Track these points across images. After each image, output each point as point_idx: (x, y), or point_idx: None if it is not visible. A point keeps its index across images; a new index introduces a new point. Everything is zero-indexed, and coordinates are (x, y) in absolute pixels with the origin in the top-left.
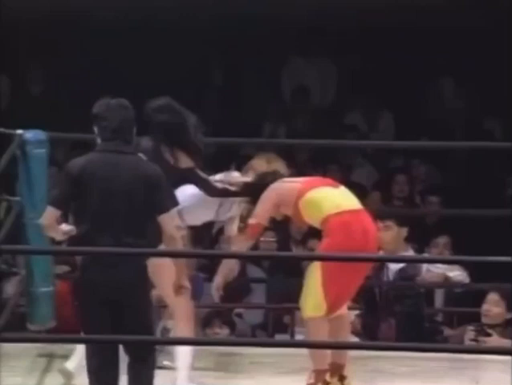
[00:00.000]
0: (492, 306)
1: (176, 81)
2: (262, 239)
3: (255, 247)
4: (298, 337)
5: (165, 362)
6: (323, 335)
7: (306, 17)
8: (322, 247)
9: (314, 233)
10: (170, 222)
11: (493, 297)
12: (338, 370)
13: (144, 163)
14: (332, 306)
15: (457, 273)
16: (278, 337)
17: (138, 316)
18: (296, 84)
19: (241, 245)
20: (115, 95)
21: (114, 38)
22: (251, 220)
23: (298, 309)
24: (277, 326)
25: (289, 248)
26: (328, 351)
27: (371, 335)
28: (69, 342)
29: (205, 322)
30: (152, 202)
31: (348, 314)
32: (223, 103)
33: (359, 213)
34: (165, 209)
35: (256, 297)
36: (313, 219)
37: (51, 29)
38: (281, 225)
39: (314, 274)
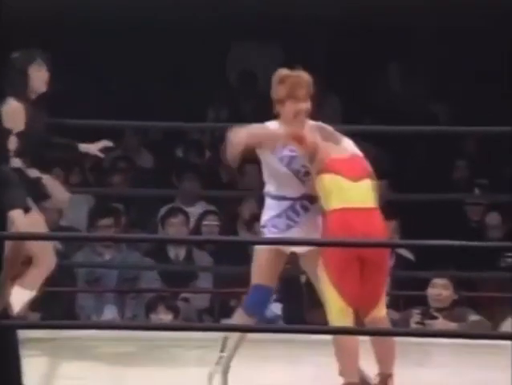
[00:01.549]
0: (441, 290)
1: (123, 67)
2: (205, 223)
3: (198, 232)
4: None
5: None
6: (352, 341)
7: (252, 1)
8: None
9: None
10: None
11: (441, 280)
12: (384, 382)
13: None
14: (354, 303)
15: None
16: (225, 321)
17: None
18: (242, 69)
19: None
20: None
21: None
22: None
23: (245, 293)
24: (223, 311)
25: (235, 231)
26: (357, 360)
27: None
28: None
29: (149, 306)
30: None
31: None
32: (168, 87)
33: (366, 213)
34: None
35: (203, 281)
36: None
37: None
38: (227, 208)
39: (323, 276)
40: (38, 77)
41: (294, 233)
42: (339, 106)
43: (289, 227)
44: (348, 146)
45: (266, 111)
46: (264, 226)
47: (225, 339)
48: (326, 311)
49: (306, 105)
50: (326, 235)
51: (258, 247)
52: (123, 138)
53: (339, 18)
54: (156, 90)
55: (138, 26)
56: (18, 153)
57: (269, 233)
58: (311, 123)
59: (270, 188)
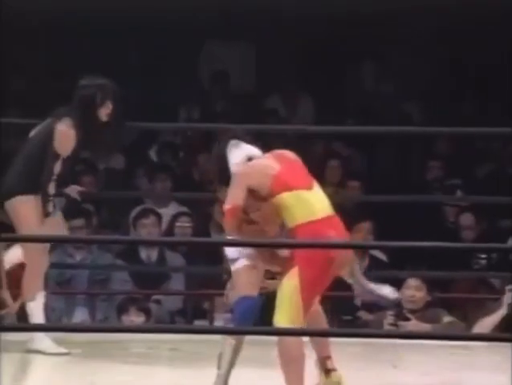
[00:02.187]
0: (415, 291)
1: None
2: (177, 224)
3: (171, 233)
4: (218, 323)
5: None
6: (298, 350)
7: (224, 0)
8: (295, 262)
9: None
10: None
11: (414, 282)
12: (324, 364)
13: None
14: (307, 312)
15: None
16: (198, 323)
17: None
18: (215, 68)
19: (232, 231)
20: None
21: None
22: (226, 206)
23: (218, 294)
24: (196, 312)
25: (208, 233)
26: (303, 372)
27: None
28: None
29: (120, 308)
30: None
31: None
32: (140, 86)
33: (331, 221)
34: None
35: (175, 282)
36: (284, 220)
37: None
38: (199, 209)
39: (291, 282)
40: (105, 109)
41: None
42: (312, 106)
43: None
44: (286, 154)
45: (237, 111)
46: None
47: (220, 356)
48: (277, 312)
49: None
50: (300, 252)
51: (235, 271)
52: None
53: (311, 18)
54: (128, 90)
55: (110, 25)
56: (58, 178)
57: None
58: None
59: None
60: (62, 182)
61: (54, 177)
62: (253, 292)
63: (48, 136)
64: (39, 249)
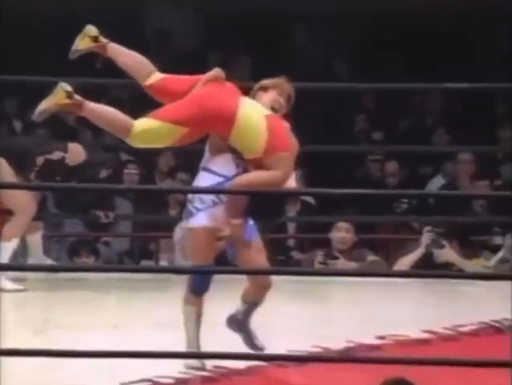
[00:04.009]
0: (345, 234)
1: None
2: (125, 171)
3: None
4: (163, 263)
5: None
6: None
7: None
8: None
9: (183, 166)
10: None
11: (345, 225)
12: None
13: None
14: None
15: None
16: (144, 263)
17: None
18: (157, 27)
19: None
20: None
21: None
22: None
23: (164, 237)
24: (143, 253)
25: (153, 180)
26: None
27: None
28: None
29: (71, 250)
30: None
31: None
32: None
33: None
34: None
35: (123, 225)
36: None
37: None
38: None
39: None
40: None
41: (219, 210)
42: (248, 64)
43: (215, 203)
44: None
45: (180, 67)
46: (191, 201)
47: (185, 324)
48: None
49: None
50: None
51: (192, 228)
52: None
53: None
54: None
55: None
56: None
57: (194, 208)
58: None
59: (209, 163)
60: None
61: None
62: (210, 257)
63: None
64: (28, 197)
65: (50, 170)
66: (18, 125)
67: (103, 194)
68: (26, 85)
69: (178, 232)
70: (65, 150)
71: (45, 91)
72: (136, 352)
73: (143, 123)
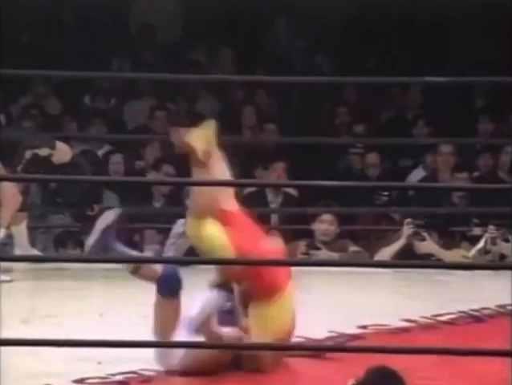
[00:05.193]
0: (329, 226)
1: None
2: (111, 162)
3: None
4: (147, 253)
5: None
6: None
7: None
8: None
9: (168, 159)
10: None
11: (328, 217)
12: None
13: None
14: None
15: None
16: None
17: None
18: (142, 21)
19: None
20: None
21: None
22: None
23: (148, 228)
24: (128, 244)
25: (137, 172)
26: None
27: None
28: None
29: (57, 241)
30: None
31: None
32: (75, 39)
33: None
34: None
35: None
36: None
37: None
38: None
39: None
40: None
41: None
42: (232, 58)
43: None
44: None
45: (163, 61)
46: None
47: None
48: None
49: None
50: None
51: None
52: (32, 86)
53: None
54: (65, 41)
55: None
56: None
57: None
58: None
59: None
60: None
61: None
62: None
63: None
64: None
65: (36, 165)
66: (1, 118)
67: (89, 190)
68: (8, 78)
69: (179, 225)
70: (53, 147)
71: (27, 84)
72: (123, 342)
73: (215, 231)
